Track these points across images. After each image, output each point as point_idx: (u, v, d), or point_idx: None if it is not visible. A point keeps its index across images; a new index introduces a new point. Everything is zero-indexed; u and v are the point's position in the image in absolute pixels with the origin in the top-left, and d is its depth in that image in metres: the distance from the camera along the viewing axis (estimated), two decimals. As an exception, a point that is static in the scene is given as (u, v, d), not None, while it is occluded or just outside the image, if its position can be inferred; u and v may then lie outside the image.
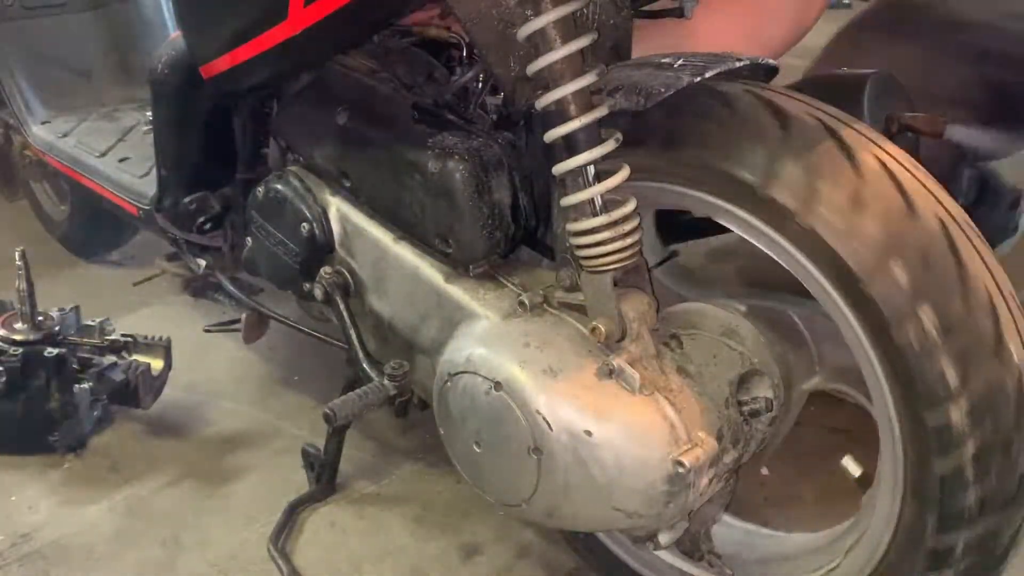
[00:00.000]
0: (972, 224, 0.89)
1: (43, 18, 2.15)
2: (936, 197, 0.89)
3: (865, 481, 1.06)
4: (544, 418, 0.98)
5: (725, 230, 1.03)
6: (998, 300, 0.87)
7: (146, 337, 1.67)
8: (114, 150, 1.91)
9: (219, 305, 1.94)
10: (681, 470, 0.95)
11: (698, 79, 0.93)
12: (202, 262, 1.66)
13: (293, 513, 1.45)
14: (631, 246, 0.97)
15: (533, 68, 0.94)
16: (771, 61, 1.04)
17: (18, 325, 1.60)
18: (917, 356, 0.86)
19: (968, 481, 0.88)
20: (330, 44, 1.17)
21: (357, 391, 1.24)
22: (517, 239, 1.18)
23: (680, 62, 0.96)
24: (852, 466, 1.10)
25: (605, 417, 0.97)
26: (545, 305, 1.08)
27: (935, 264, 0.86)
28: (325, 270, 1.33)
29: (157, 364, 1.65)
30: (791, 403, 1.09)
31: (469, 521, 1.44)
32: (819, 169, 0.90)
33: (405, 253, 1.23)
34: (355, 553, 1.39)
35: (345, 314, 1.31)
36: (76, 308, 1.70)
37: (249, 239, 1.46)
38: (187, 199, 1.56)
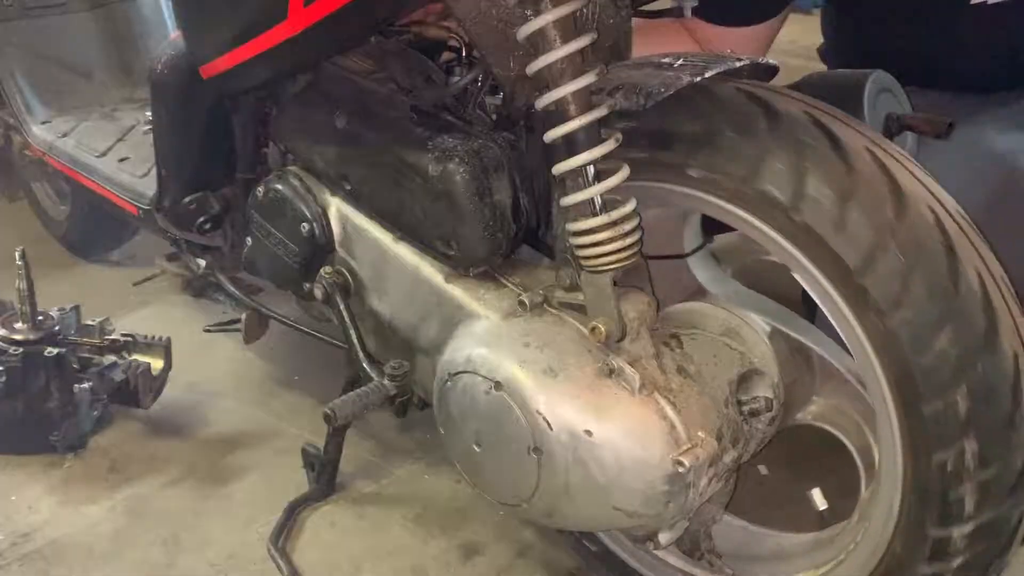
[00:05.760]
0: (969, 220, 0.89)
1: (43, 18, 2.14)
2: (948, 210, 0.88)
3: (831, 516, 1.08)
4: (544, 418, 0.98)
5: None
6: (993, 291, 0.86)
7: (146, 337, 1.67)
8: (114, 150, 1.91)
9: (219, 305, 1.95)
10: (681, 470, 0.95)
11: (698, 79, 0.93)
12: (202, 262, 1.65)
13: (293, 513, 1.45)
14: (631, 246, 0.97)
15: (533, 68, 0.94)
16: (771, 61, 1.04)
17: (18, 325, 1.60)
18: None
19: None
20: (330, 44, 1.16)
21: (357, 391, 1.24)
22: (518, 239, 1.18)
23: (680, 62, 0.97)
24: (819, 499, 1.12)
25: (605, 417, 0.97)
26: (545, 305, 1.08)
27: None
28: (325, 270, 1.33)
29: (157, 364, 1.65)
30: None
31: (469, 521, 1.44)
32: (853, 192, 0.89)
33: (405, 253, 1.23)
34: (355, 553, 1.39)
35: (345, 314, 1.31)
36: (76, 308, 1.70)
37: (249, 239, 1.46)
38: (187, 199, 1.55)
